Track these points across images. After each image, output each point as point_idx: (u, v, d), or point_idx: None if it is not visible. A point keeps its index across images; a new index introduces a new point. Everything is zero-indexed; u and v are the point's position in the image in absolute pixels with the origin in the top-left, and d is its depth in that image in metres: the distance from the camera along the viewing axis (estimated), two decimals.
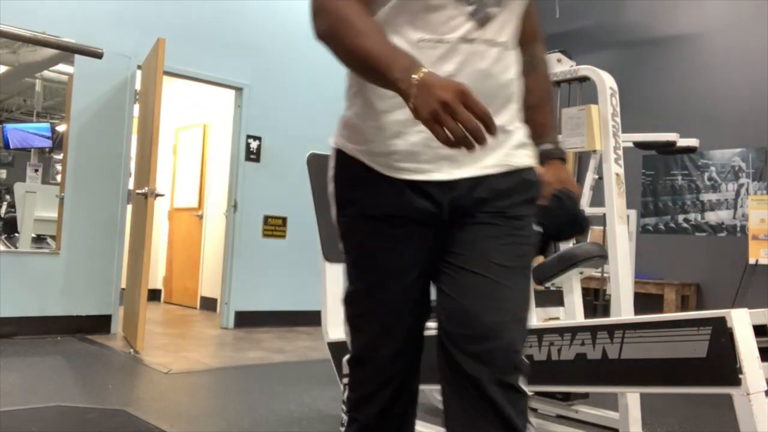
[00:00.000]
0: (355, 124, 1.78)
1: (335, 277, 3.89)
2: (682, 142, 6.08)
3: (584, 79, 4.20)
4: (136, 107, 7.22)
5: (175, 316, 8.84)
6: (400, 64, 1.47)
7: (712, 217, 8.32)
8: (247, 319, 7.86)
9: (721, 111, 8.19)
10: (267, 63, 8.08)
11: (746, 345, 2.32)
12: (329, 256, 3.86)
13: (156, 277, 10.19)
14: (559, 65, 4.37)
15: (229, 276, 7.86)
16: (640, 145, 6.21)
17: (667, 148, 6.13)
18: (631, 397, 3.63)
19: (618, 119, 4.00)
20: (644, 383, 2.71)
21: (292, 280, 8.14)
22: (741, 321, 2.36)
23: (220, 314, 8.09)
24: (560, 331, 2.86)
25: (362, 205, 1.77)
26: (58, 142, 7.00)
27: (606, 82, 3.96)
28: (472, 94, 1.41)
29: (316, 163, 3.90)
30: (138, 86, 7.18)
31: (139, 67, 7.07)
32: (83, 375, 4.96)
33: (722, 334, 2.36)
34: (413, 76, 1.43)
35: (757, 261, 7.57)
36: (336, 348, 3.89)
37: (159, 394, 4.59)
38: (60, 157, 6.93)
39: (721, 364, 2.36)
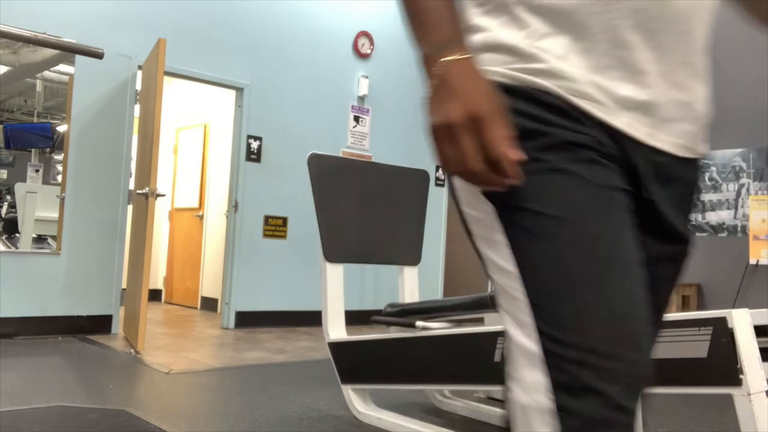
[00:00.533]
0: (506, 41, 1.22)
1: (336, 277, 3.90)
2: None
3: None
4: (137, 107, 7.23)
5: (176, 317, 8.84)
6: (437, 34, 1.16)
7: (712, 217, 8.32)
8: (247, 320, 7.86)
9: (721, 111, 8.18)
10: (267, 63, 8.08)
11: (747, 345, 2.32)
12: (330, 256, 3.86)
13: (157, 278, 10.19)
14: None
15: (230, 276, 7.86)
16: None
17: None
18: None
19: None
20: None
21: (292, 280, 8.15)
22: (742, 321, 2.36)
23: (221, 314, 8.09)
24: None
25: (553, 135, 1.16)
26: (59, 143, 7.00)
27: None
28: (491, 125, 1.09)
29: (316, 162, 3.90)
30: (139, 86, 7.18)
31: (139, 67, 7.07)
32: (84, 375, 4.96)
33: (723, 334, 2.36)
34: (441, 59, 1.13)
35: (758, 261, 7.57)
36: (336, 348, 3.89)
37: (160, 395, 4.59)
38: (61, 157, 6.93)
39: (721, 365, 2.36)
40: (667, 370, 2.53)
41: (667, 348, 2.51)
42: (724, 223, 8.22)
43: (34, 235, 7.02)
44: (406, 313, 3.87)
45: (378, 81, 8.92)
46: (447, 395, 4.36)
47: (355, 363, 3.85)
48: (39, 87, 7.25)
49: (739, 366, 2.30)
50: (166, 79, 6.47)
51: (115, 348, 6.10)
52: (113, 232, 6.95)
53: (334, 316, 3.88)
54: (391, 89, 9.13)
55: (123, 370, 5.31)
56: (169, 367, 5.34)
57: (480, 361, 3.17)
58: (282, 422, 3.91)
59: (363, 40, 8.83)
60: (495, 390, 4.43)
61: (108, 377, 4.98)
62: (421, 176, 4.42)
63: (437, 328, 3.46)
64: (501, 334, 3.09)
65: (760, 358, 2.34)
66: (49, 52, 6.92)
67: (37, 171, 7.09)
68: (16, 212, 7.03)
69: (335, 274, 3.89)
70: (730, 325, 2.34)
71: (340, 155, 8.16)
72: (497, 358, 3.08)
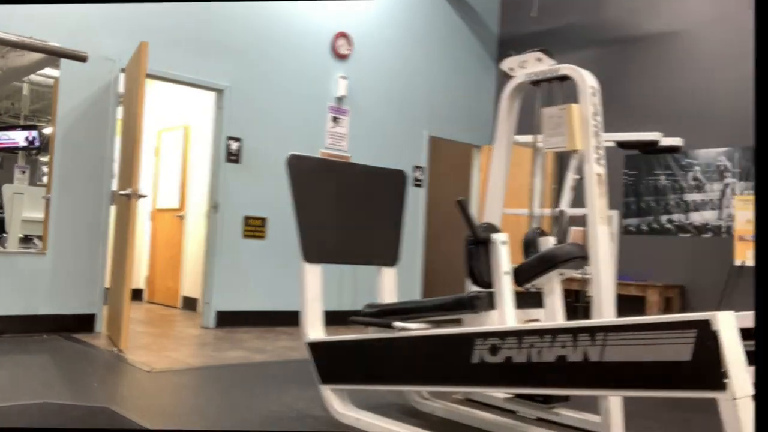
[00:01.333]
0: None
1: (314, 278, 3.90)
2: (666, 142, 6.10)
3: (565, 78, 4.19)
4: (120, 110, 7.21)
5: (158, 316, 8.83)
6: None
7: (696, 217, 8.31)
8: (227, 319, 7.86)
9: (705, 109, 8.15)
10: (247, 65, 8.08)
11: (732, 348, 2.27)
12: (308, 257, 3.87)
13: (139, 277, 10.17)
14: (539, 64, 4.37)
15: (210, 276, 7.86)
16: (622, 145, 6.23)
17: (650, 147, 6.16)
18: (613, 401, 3.60)
19: (599, 118, 4.01)
20: (627, 386, 2.66)
21: (272, 280, 8.14)
22: (727, 324, 2.29)
23: (202, 314, 8.09)
24: (540, 332, 2.81)
25: None
26: (45, 145, 7.00)
27: (587, 80, 3.98)
28: None
29: (295, 163, 3.90)
30: (122, 89, 7.17)
31: (122, 70, 7.06)
32: (68, 373, 4.97)
33: (707, 337, 2.31)
34: None
35: (743, 262, 7.47)
36: (315, 348, 3.89)
37: (142, 393, 4.60)
38: (47, 159, 6.92)
39: (706, 368, 2.31)
40: (650, 373, 2.51)
41: (650, 350, 2.48)
42: (708, 224, 8.21)
43: (21, 235, 7.04)
44: (384, 314, 3.87)
45: (356, 82, 8.93)
46: (425, 396, 4.36)
47: (334, 363, 3.85)
48: (26, 90, 7.26)
49: (724, 370, 2.27)
50: (148, 82, 6.47)
51: (98, 346, 6.10)
52: (97, 232, 6.95)
53: (312, 317, 3.88)
54: (369, 90, 9.14)
55: (106, 368, 5.32)
56: (150, 366, 5.35)
57: (458, 363, 3.15)
58: (261, 422, 3.92)
59: (341, 41, 8.83)
60: (473, 392, 4.43)
61: (92, 375, 4.99)
62: (400, 176, 4.43)
63: (416, 328, 3.46)
64: (479, 335, 3.08)
65: (746, 361, 2.31)
66: (35, 56, 6.92)
67: (23, 172, 7.12)
68: (3, 213, 7.06)
69: (314, 274, 3.90)
70: (714, 328, 2.29)
71: (319, 156, 8.17)
72: (475, 359, 3.07)
